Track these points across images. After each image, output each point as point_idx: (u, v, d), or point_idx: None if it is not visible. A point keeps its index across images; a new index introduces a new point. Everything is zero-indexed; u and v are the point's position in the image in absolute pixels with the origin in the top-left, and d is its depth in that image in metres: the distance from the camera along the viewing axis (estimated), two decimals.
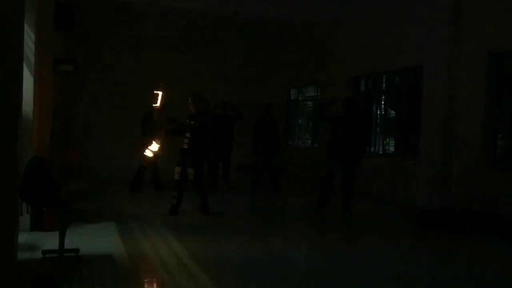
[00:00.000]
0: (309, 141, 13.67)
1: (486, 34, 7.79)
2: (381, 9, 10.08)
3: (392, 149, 10.39)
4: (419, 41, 9.06)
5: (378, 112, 10.91)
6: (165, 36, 12.71)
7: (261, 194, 10.12)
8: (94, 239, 5.81)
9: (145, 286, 4.63)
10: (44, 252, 4.92)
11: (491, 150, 7.83)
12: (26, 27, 5.37)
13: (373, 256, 5.88)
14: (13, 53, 3.99)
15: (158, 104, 8.37)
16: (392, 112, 10.75)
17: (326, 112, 8.14)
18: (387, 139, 10.62)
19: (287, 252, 5.78)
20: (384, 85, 10.76)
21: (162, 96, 8.34)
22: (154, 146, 8.53)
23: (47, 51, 6.99)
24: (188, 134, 7.52)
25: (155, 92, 8.36)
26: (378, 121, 10.84)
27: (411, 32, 9.32)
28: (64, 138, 11.09)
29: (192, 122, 7.52)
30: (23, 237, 5.32)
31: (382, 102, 10.85)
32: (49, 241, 5.29)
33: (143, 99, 11.19)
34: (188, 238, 6.15)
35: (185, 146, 7.52)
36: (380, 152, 10.57)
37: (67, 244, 4.87)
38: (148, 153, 8.74)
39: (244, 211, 8.49)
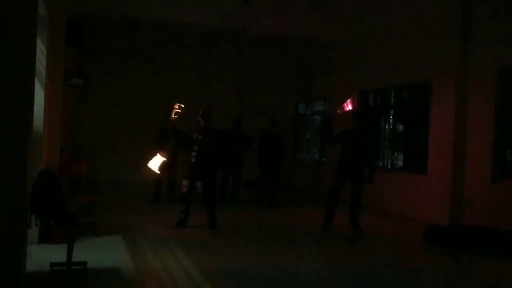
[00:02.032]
0: (317, 155, 13.66)
1: (495, 50, 7.79)
2: (390, 25, 10.14)
3: (400, 164, 10.35)
4: (428, 57, 9.09)
5: (387, 127, 10.89)
6: (174, 50, 12.85)
7: (268, 208, 10.09)
8: (102, 252, 5.82)
9: None
10: (52, 264, 4.93)
11: (501, 166, 7.78)
12: (38, 41, 5.47)
13: (379, 273, 5.82)
14: (26, 67, 4.06)
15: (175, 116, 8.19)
16: (401, 127, 10.73)
17: (331, 131, 8.10)
18: (396, 154, 10.58)
19: (294, 267, 5.74)
20: (392, 100, 10.76)
21: (180, 112, 8.18)
22: (158, 159, 8.30)
23: (58, 65, 7.09)
24: (195, 148, 7.54)
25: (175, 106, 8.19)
26: (387, 136, 10.82)
27: (420, 47, 9.35)
28: (74, 151, 11.18)
29: (200, 136, 7.56)
30: (32, 249, 5.34)
31: (391, 117, 10.83)
32: (57, 253, 5.30)
33: (153, 113, 11.35)
34: (195, 252, 6.14)
35: (193, 160, 7.55)
36: (389, 167, 10.53)
37: (75, 257, 4.88)
38: (152, 164, 8.49)
39: (251, 226, 8.46)
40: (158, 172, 7.42)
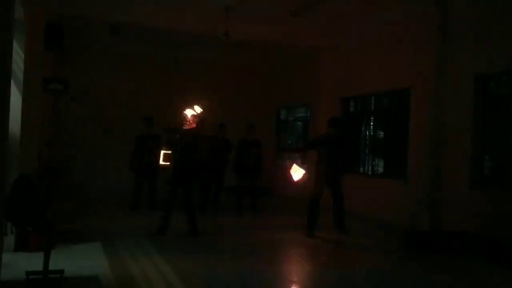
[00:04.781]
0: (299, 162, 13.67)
1: (472, 56, 7.92)
2: (369, 32, 10.25)
3: (381, 170, 10.44)
4: (407, 63, 9.20)
5: (367, 133, 10.98)
6: (154, 55, 12.78)
7: (249, 214, 10.07)
8: (80, 260, 5.73)
9: None
10: (28, 273, 4.83)
11: (479, 171, 7.89)
12: (15, 45, 5.39)
13: (360, 277, 5.85)
14: (2, 71, 3.99)
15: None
16: (381, 133, 10.84)
17: (310, 142, 8.15)
18: (376, 160, 10.67)
19: (275, 274, 5.73)
20: (372, 106, 10.86)
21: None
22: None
23: (36, 70, 6.99)
24: (177, 152, 7.47)
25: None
26: (367, 142, 10.91)
27: (399, 54, 9.46)
28: (52, 157, 11.02)
29: (183, 139, 7.45)
30: (7, 258, 5.22)
31: (371, 123, 10.93)
32: (34, 261, 5.19)
33: (133, 118, 11.27)
34: (175, 258, 6.09)
35: (175, 164, 7.47)
36: (369, 173, 10.61)
37: (52, 265, 4.79)
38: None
39: (232, 232, 8.43)
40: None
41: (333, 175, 7.86)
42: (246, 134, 10.37)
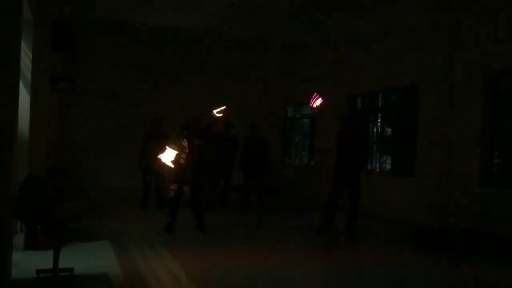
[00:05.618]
0: (306, 159, 13.67)
1: (481, 53, 7.87)
2: (377, 28, 10.20)
3: (389, 167, 10.40)
4: (416, 60, 9.15)
5: (375, 130, 10.94)
6: (161, 54, 12.79)
7: (256, 213, 10.06)
8: (89, 258, 5.75)
9: None
10: (38, 271, 4.87)
11: (487, 169, 7.84)
12: (23, 45, 5.41)
13: (367, 275, 5.83)
14: (10, 71, 4.01)
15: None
16: (389, 130, 10.79)
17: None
18: (384, 157, 10.63)
19: (283, 272, 5.73)
20: (380, 104, 10.81)
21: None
22: (170, 153, 7.78)
23: (44, 69, 7.02)
24: (186, 151, 7.46)
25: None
26: (375, 139, 10.87)
27: (408, 51, 9.41)
28: (62, 156, 11.07)
29: (196, 139, 7.46)
30: (17, 256, 5.26)
31: (379, 121, 10.89)
32: (43, 260, 5.23)
33: (141, 117, 11.31)
34: (184, 256, 6.10)
35: (183, 163, 7.46)
36: (377, 170, 10.57)
37: (61, 263, 4.82)
38: (165, 158, 7.88)
39: (241, 230, 8.43)
40: (172, 165, 7.12)
41: (349, 173, 7.82)
42: (250, 132, 10.39)
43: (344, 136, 7.93)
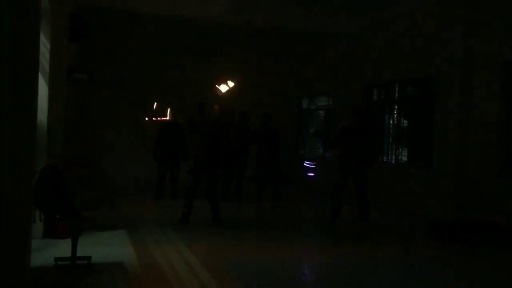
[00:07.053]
0: (320, 151, 13.63)
1: (499, 43, 7.74)
2: (394, 18, 10.08)
3: (404, 159, 10.31)
4: (433, 50, 9.03)
5: (391, 122, 10.84)
6: (178, 46, 12.81)
7: (272, 204, 10.09)
8: (106, 247, 5.84)
9: None
10: (57, 259, 4.95)
11: (505, 161, 7.73)
12: (41, 37, 5.45)
13: (382, 268, 5.81)
14: (29, 62, 4.04)
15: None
16: (405, 121, 10.68)
17: (330, 139, 8.10)
18: (400, 149, 10.54)
19: (299, 262, 5.74)
20: (396, 95, 10.71)
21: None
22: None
23: (61, 60, 7.08)
24: (203, 141, 7.49)
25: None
26: (391, 131, 10.77)
27: (424, 41, 9.29)
28: (78, 146, 11.19)
29: (211, 130, 7.49)
30: (36, 244, 5.35)
31: (395, 112, 10.79)
32: (61, 248, 5.33)
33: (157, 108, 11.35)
34: (199, 247, 6.14)
35: (199, 154, 7.49)
36: (393, 162, 10.49)
37: (79, 252, 4.90)
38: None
39: (256, 221, 8.47)
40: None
41: (356, 166, 7.76)
42: (263, 124, 10.40)
43: (348, 130, 7.87)
